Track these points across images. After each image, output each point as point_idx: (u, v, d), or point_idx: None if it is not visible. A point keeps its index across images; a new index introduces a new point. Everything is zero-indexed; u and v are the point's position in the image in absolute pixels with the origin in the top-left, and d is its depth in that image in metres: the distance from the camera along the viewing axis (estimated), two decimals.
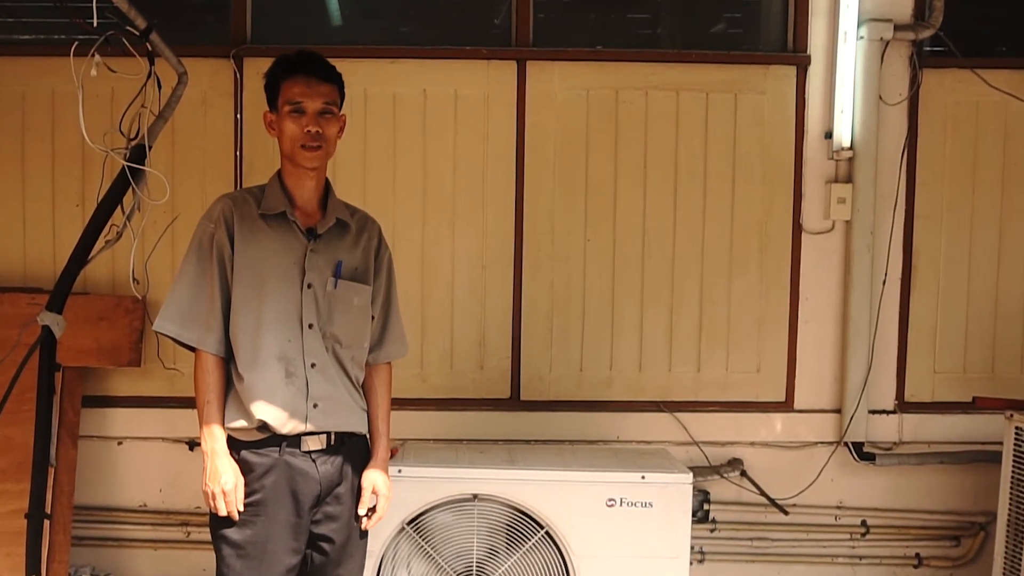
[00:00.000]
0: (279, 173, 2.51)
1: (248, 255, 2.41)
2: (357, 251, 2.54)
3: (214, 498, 2.35)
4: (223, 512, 2.36)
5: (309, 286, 2.43)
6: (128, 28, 3.00)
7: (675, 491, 3.10)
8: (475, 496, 3.09)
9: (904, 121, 3.85)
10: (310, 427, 2.41)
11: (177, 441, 3.80)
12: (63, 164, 3.77)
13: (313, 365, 2.43)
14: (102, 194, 3.14)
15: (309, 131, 2.40)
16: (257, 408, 2.36)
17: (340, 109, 2.49)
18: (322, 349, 2.44)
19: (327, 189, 2.54)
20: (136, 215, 3.16)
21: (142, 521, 3.86)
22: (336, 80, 2.47)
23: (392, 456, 3.09)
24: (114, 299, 3.70)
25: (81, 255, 3.13)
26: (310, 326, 2.43)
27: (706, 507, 3.82)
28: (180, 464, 3.80)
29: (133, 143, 3.10)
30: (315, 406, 2.42)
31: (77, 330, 3.50)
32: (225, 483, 2.34)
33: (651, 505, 3.09)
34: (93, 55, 2.88)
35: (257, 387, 2.37)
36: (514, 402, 3.87)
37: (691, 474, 3.14)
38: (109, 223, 3.14)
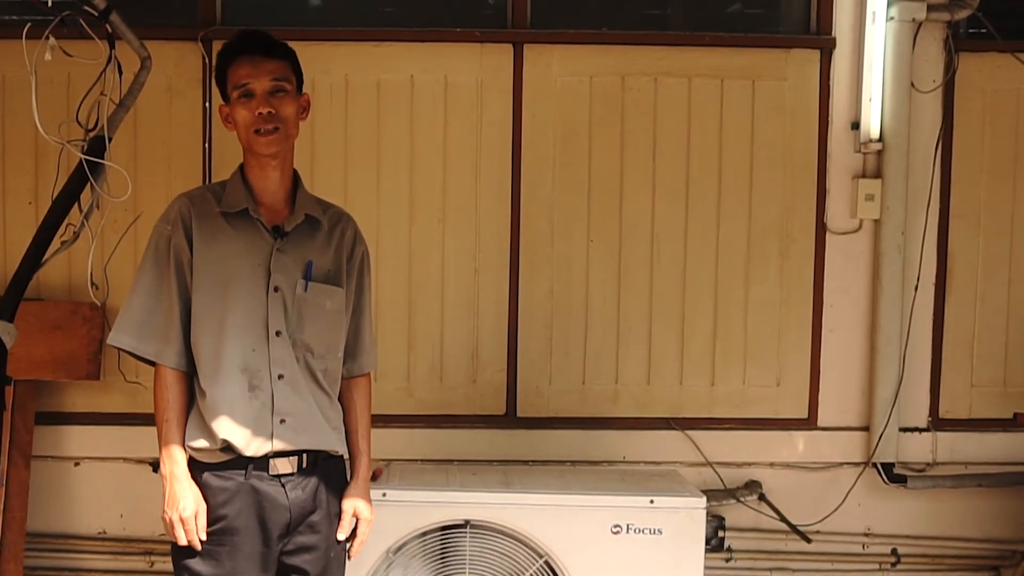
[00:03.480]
0: (241, 168, 2.52)
1: (209, 258, 2.42)
2: (329, 250, 2.54)
3: (173, 526, 2.36)
4: (183, 541, 2.36)
5: (276, 289, 2.43)
6: (86, 8, 2.98)
7: (687, 517, 3.11)
8: (467, 522, 3.09)
9: (938, 110, 3.87)
10: (277, 446, 2.40)
11: (139, 462, 3.80)
12: (14, 157, 3.78)
13: (280, 377, 2.41)
14: (57, 191, 3.14)
15: (260, 113, 2.39)
16: (219, 426, 2.36)
17: (299, 89, 2.50)
18: (291, 359, 2.43)
19: (295, 182, 2.54)
20: (95, 213, 3.16)
21: (101, 549, 3.86)
22: (285, 56, 2.47)
23: (375, 478, 3.10)
24: (71, 306, 3.71)
25: (34, 258, 3.12)
26: (277, 333, 2.42)
27: (721, 534, 3.82)
28: (143, 487, 3.79)
29: (91, 134, 3.09)
30: (282, 422, 2.40)
31: (30, 340, 3.51)
32: (184, 509, 2.35)
33: (660, 532, 3.10)
34: (47, 37, 2.88)
35: (218, 402, 2.37)
36: (510, 419, 3.88)
37: (704, 498, 3.14)
38: (65, 222, 3.13)
